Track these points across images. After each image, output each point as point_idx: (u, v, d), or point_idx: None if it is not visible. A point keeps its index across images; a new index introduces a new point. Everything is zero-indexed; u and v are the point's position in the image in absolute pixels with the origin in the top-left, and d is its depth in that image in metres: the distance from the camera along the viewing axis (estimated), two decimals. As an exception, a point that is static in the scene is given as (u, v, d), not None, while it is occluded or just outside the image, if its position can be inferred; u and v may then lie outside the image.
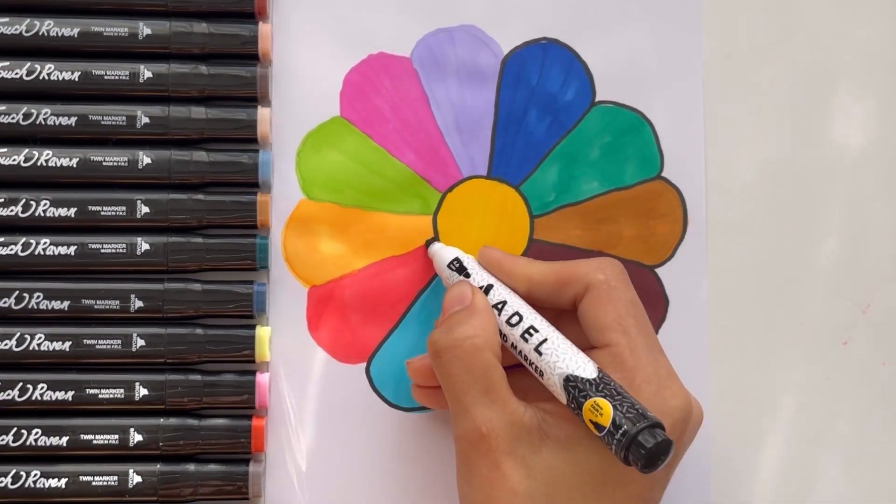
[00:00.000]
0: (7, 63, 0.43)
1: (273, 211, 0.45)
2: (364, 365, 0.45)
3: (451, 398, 0.38)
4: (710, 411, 0.45)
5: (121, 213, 0.43)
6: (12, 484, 0.42)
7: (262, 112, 0.44)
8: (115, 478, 0.42)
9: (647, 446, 0.34)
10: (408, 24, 0.46)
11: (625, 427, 0.34)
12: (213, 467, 0.43)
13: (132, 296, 0.43)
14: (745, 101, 0.47)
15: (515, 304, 0.40)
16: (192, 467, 0.42)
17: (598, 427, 0.35)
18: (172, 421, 0.43)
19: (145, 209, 0.43)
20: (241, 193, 0.44)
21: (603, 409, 0.35)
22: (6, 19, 0.43)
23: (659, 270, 0.46)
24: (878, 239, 0.47)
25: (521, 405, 0.38)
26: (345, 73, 0.46)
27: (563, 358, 0.37)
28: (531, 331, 0.38)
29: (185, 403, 0.43)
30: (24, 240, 0.43)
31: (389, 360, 0.45)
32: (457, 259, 0.42)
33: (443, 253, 0.43)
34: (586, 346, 0.39)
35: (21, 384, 0.42)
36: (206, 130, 0.44)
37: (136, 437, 0.42)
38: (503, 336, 0.39)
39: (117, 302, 0.43)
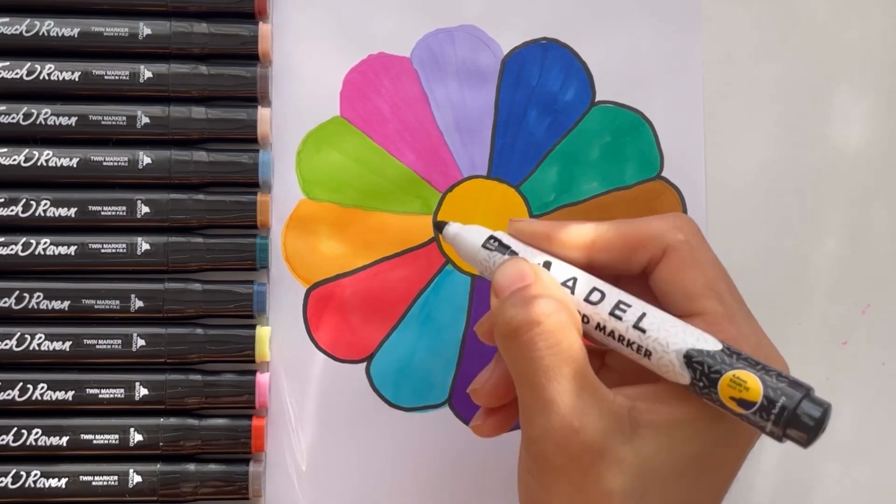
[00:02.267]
0: (7, 63, 0.43)
1: (273, 211, 0.45)
2: (364, 365, 0.45)
3: (530, 388, 0.32)
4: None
5: (121, 213, 0.43)
6: (12, 484, 0.42)
7: (262, 112, 0.44)
8: (115, 478, 0.42)
9: (816, 416, 0.30)
10: (408, 24, 0.46)
11: (782, 400, 0.30)
12: (213, 467, 0.43)
13: (132, 296, 0.43)
14: (745, 101, 0.47)
15: (589, 279, 0.34)
16: (192, 467, 0.42)
17: (745, 404, 0.30)
18: (172, 421, 0.43)
19: (145, 209, 0.43)
20: (241, 193, 0.44)
21: (748, 383, 0.30)
22: (6, 19, 0.43)
23: (659, 270, 0.46)
24: (878, 239, 0.47)
25: (611, 392, 0.32)
26: (345, 73, 0.46)
27: (673, 332, 0.32)
28: (621, 307, 0.33)
29: (186, 403, 0.43)
30: (24, 240, 0.43)
31: (389, 359, 0.45)
32: (493, 238, 0.36)
33: (470, 234, 0.37)
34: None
35: (21, 384, 0.42)
36: (206, 130, 0.44)
37: (136, 437, 0.42)
38: (584, 318, 0.34)
39: (117, 302, 0.43)
